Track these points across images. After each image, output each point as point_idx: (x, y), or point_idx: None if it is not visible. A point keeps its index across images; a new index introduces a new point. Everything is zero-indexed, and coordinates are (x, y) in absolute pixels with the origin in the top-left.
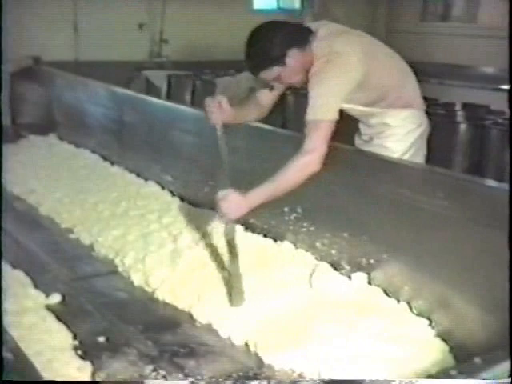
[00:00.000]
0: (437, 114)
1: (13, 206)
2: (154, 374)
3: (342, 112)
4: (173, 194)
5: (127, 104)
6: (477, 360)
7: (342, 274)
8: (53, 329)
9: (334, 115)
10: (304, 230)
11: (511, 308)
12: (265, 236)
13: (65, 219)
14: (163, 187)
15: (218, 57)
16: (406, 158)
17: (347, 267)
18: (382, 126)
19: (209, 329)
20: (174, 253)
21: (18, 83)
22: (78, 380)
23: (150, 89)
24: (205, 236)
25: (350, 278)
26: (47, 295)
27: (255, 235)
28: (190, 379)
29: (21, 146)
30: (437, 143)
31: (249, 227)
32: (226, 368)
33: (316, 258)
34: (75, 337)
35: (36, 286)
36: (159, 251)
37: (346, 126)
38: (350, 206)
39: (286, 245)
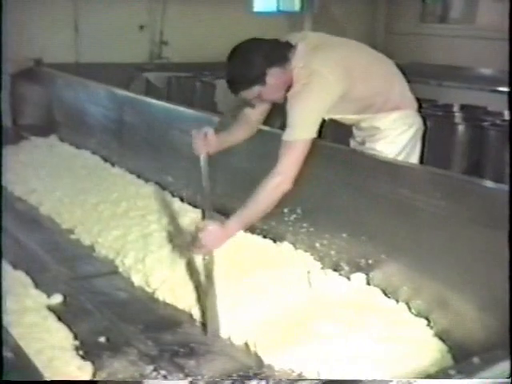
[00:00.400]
0: (435, 115)
1: (14, 207)
2: (154, 373)
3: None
4: (173, 195)
5: (127, 105)
6: (475, 360)
7: (341, 274)
8: (53, 328)
9: (310, 134)
10: (303, 230)
11: (511, 308)
12: (264, 237)
13: (65, 219)
14: (163, 188)
15: (218, 59)
16: (400, 158)
17: (346, 268)
18: (372, 130)
19: (219, 337)
20: (173, 253)
21: (19, 84)
22: (79, 379)
23: (150, 90)
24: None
25: (349, 278)
26: (48, 295)
27: (255, 236)
28: (190, 379)
29: (22, 147)
30: (435, 144)
31: (248, 228)
32: (225, 368)
33: (315, 259)
34: (76, 336)
35: (37, 286)
36: (159, 252)
37: (344, 126)
38: (349, 206)
39: (286, 245)
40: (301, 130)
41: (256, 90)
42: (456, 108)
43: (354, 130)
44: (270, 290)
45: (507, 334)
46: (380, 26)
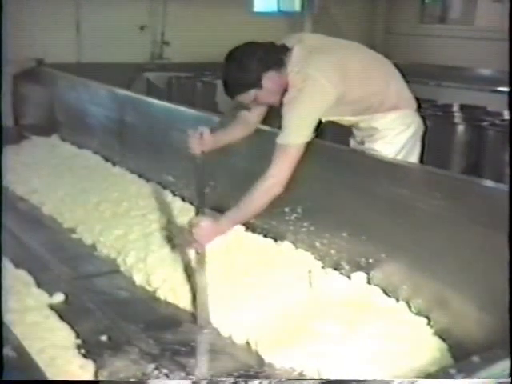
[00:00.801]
0: (435, 115)
1: (16, 206)
2: (155, 372)
3: None
4: (174, 194)
5: (128, 105)
6: (475, 358)
7: (341, 273)
8: (55, 327)
9: (303, 139)
10: (304, 229)
11: (511, 308)
12: (265, 236)
13: (67, 219)
14: (164, 187)
15: (219, 59)
16: (399, 158)
17: (346, 267)
18: (371, 130)
19: (210, 327)
20: (174, 253)
21: (21, 84)
22: (80, 379)
23: (151, 90)
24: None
25: (349, 277)
26: (50, 294)
27: (255, 235)
28: (193, 378)
29: (23, 146)
30: (435, 144)
31: (249, 227)
32: (226, 366)
33: (316, 258)
34: (78, 335)
35: (39, 285)
36: (160, 251)
37: (344, 126)
38: (349, 206)
39: (286, 245)
40: (295, 134)
41: (252, 93)
42: (455, 108)
43: (354, 130)
44: (270, 289)
45: (507, 332)
46: (379, 27)
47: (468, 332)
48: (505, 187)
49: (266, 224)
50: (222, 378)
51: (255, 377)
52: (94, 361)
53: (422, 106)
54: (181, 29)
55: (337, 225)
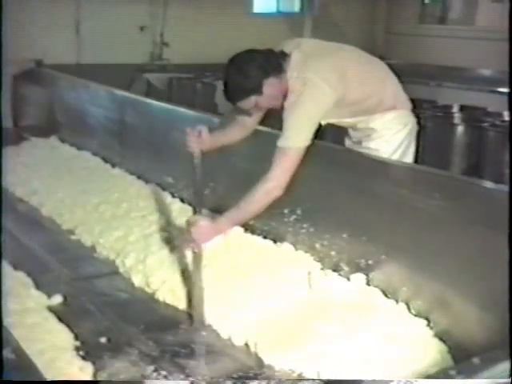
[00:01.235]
0: (435, 115)
1: (15, 208)
2: (155, 374)
3: None
4: (173, 196)
5: (128, 106)
6: (475, 360)
7: (340, 274)
8: (54, 329)
9: (303, 143)
10: (303, 231)
11: (511, 308)
12: (264, 237)
13: (66, 220)
14: (164, 189)
15: (219, 59)
16: (395, 157)
17: (346, 268)
18: (368, 130)
19: (209, 329)
20: (174, 254)
21: (20, 85)
22: (79, 380)
23: (151, 91)
24: None
25: (348, 278)
26: (49, 296)
27: (255, 236)
28: (192, 379)
29: (23, 147)
30: (435, 145)
31: (248, 228)
32: (226, 368)
33: (315, 259)
34: (77, 337)
35: (38, 287)
36: (160, 252)
37: (342, 127)
38: (349, 207)
39: (286, 246)
40: (295, 138)
41: (253, 99)
42: (455, 109)
43: (350, 131)
44: (270, 290)
45: (507, 334)
46: (380, 27)
47: (468, 333)
48: (505, 188)
49: (265, 225)
50: (220, 380)
51: (254, 378)
52: (94, 362)
53: (423, 107)
54: (180, 30)
55: (336, 226)
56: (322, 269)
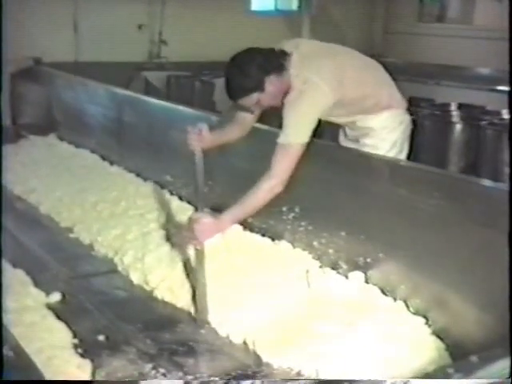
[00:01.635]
0: (433, 114)
1: (13, 206)
2: (153, 372)
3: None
4: (172, 194)
5: (126, 104)
6: (473, 358)
7: (339, 273)
8: (53, 327)
9: (303, 139)
10: (302, 229)
11: (511, 308)
12: (263, 235)
13: (65, 218)
14: (162, 187)
15: (217, 58)
16: (391, 154)
17: (344, 266)
18: (365, 129)
19: (208, 327)
20: (172, 252)
21: (19, 84)
22: (77, 379)
23: (149, 89)
24: None
25: (347, 276)
26: (47, 294)
27: (253, 234)
28: (189, 377)
29: (21, 146)
30: (433, 143)
31: (247, 226)
32: (224, 366)
33: (313, 257)
34: (75, 335)
35: (36, 285)
36: (158, 250)
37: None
38: (347, 205)
39: (284, 244)
40: (295, 134)
41: (255, 97)
42: (453, 107)
43: (347, 129)
44: (268, 288)
45: (505, 332)
46: (378, 26)
47: (466, 332)
48: (503, 186)
49: (263, 223)
50: (213, 378)
51: (253, 376)
52: (92, 360)
53: (421, 105)
54: (179, 28)
55: (335, 224)
56: (320, 267)
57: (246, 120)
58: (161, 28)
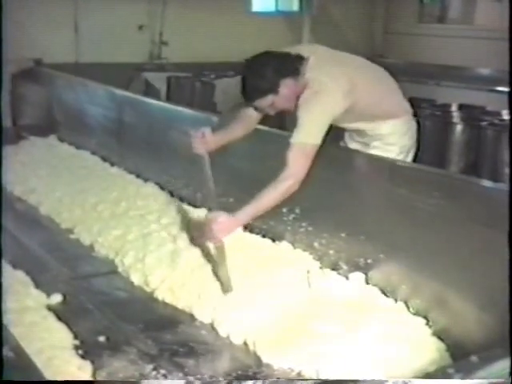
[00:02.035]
0: (434, 114)
1: (13, 207)
2: (154, 372)
3: None
4: (172, 195)
5: (127, 105)
6: (473, 358)
7: (339, 273)
8: (53, 328)
9: (317, 140)
10: (302, 230)
11: (511, 308)
12: (263, 236)
13: (65, 219)
14: (162, 187)
15: (217, 58)
16: (400, 157)
17: (345, 267)
18: (376, 136)
19: (208, 328)
20: (173, 253)
21: (19, 85)
22: (77, 379)
23: (150, 90)
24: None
25: (347, 277)
26: (48, 295)
27: (254, 235)
28: (190, 377)
29: (21, 146)
30: (433, 143)
31: (247, 227)
32: (225, 367)
33: (314, 258)
34: (76, 336)
35: (37, 286)
36: (159, 251)
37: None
38: (347, 206)
39: (284, 245)
40: (309, 134)
41: (270, 98)
42: (454, 107)
43: (356, 135)
44: (268, 289)
45: (506, 332)
46: (378, 26)
47: (467, 332)
48: (503, 186)
49: (264, 224)
50: (215, 379)
51: (253, 377)
52: (92, 361)
53: (421, 106)
54: (179, 29)
55: (335, 225)
56: (320, 267)
57: (252, 118)
58: (161, 29)
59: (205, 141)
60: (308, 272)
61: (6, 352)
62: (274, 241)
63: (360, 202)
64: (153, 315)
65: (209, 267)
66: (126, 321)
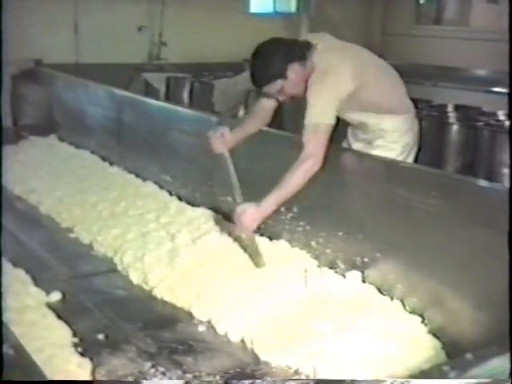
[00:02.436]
0: (430, 115)
1: (13, 206)
2: (152, 370)
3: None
4: (171, 194)
5: (126, 105)
6: (469, 356)
7: (336, 272)
8: (53, 326)
9: (330, 119)
10: (300, 229)
11: (511, 307)
12: (261, 235)
13: (65, 218)
14: (162, 187)
15: (216, 59)
16: (402, 156)
17: (342, 266)
18: (378, 131)
19: (207, 326)
20: (172, 252)
21: (19, 85)
22: (78, 378)
23: (149, 90)
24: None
25: (344, 276)
26: (47, 293)
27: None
28: (190, 376)
29: (22, 146)
30: (430, 144)
31: None
32: (223, 364)
33: (311, 257)
34: (75, 334)
35: (36, 284)
36: (158, 250)
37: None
38: (345, 205)
39: (282, 243)
40: (321, 113)
41: (279, 83)
42: (450, 108)
43: (359, 133)
44: (266, 287)
45: (501, 331)
46: (376, 27)
47: (462, 330)
48: (500, 186)
49: (261, 223)
50: (214, 379)
51: (251, 375)
52: (92, 359)
53: (418, 106)
54: (178, 29)
55: (333, 224)
56: (318, 266)
57: (265, 109)
58: (161, 29)
59: (224, 140)
60: (305, 271)
61: (6, 350)
62: (271, 239)
63: (357, 201)
64: (152, 314)
65: (208, 266)
66: (125, 319)
